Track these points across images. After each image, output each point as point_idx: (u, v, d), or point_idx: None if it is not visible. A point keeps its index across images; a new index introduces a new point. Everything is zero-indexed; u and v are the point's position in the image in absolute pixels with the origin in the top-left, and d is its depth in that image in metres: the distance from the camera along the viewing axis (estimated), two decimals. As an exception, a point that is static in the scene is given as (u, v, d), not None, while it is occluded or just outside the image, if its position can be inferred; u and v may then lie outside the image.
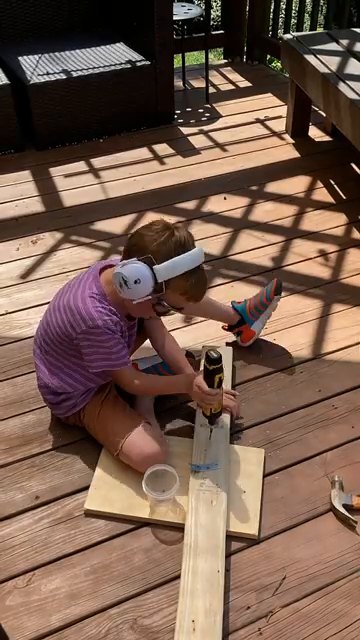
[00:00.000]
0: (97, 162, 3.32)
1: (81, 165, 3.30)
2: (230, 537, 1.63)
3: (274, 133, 3.56)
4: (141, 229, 1.59)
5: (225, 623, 1.46)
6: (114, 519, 1.69)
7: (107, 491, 1.73)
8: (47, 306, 1.81)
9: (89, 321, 1.60)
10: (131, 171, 3.24)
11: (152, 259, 1.52)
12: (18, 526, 1.69)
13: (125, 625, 1.48)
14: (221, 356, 1.58)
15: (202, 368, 1.64)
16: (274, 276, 2.52)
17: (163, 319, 1.90)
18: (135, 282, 1.52)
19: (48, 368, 1.78)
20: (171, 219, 2.87)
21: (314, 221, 2.85)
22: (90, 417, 1.81)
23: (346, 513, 1.66)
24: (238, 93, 4.03)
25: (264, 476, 1.78)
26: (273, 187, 3.10)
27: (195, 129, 3.62)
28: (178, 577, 1.54)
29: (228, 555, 1.60)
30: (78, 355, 1.70)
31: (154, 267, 1.52)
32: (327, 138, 3.50)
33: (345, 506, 1.67)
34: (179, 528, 1.64)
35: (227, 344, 2.20)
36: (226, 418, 1.87)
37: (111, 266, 1.71)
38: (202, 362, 1.88)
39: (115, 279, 1.57)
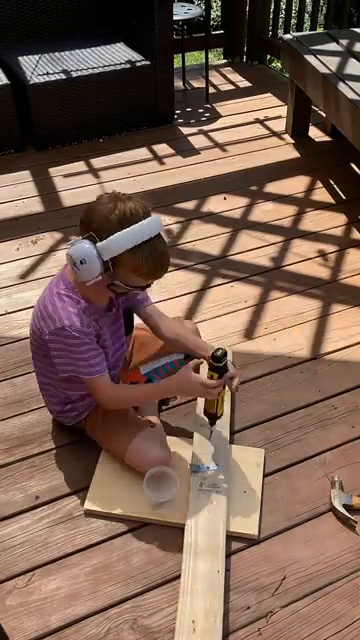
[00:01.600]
0: (97, 162, 3.32)
1: (81, 165, 3.30)
2: (230, 537, 1.63)
3: (274, 133, 3.56)
4: (92, 202, 1.46)
5: (225, 623, 1.46)
6: (114, 519, 1.69)
7: (107, 491, 1.73)
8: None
9: (57, 322, 1.50)
10: (131, 171, 3.24)
11: (94, 236, 1.41)
12: (18, 526, 1.69)
13: (125, 625, 1.48)
14: (226, 353, 1.59)
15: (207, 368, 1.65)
16: (274, 276, 2.53)
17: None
18: (81, 262, 1.42)
19: (46, 377, 1.73)
20: (170, 219, 2.87)
21: (314, 221, 2.85)
22: (92, 426, 1.81)
23: (346, 513, 1.66)
24: (238, 93, 4.03)
25: (264, 476, 1.78)
26: (273, 187, 3.09)
27: (195, 129, 3.62)
28: (178, 577, 1.54)
29: (228, 555, 1.60)
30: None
31: (97, 245, 1.41)
32: (327, 138, 3.50)
33: (345, 506, 1.67)
34: (179, 528, 1.64)
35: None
36: (226, 419, 1.87)
37: None
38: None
39: (68, 262, 1.47)
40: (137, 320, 1.83)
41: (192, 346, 1.77)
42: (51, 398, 1.80)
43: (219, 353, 1.58)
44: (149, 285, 1.54)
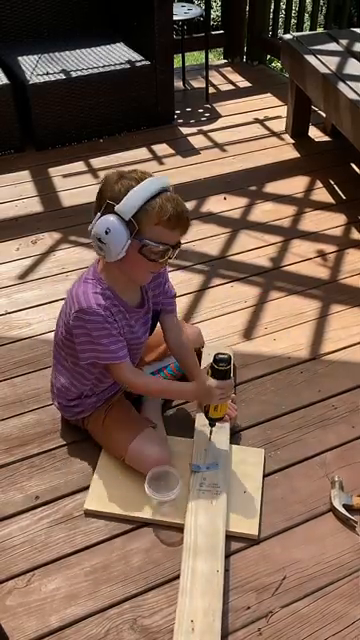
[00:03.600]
0: (97, 162, 3.32)
1: (80, 165, 3.30)
2: (230, 537, 1.63)
3: (274, 133, 3.56)
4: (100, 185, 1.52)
5: (225, 623, 1.46)
6: (114, 519, 1.69)
7: (107, 491, 1.73)
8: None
9: (83, 303, 1.54)
10: (131, 171, 3.24)
11: (111, 205, 1.44)
12: (18, 526, 1.69)
13: (125, 625, 1.48)
14: (230, 358, 1.59)
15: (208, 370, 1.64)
16: (273, 276, 2.54)
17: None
18: (106, 232, 1.43)
19: (64, 367, 1.75)
20: (171, 219, 2.87)
21: (313, 221, 2.85)
22: (94, 425, 1.81)
23: (346, 513, 1.66)
24: (238, 93, 4.03)
25: (264, 476, 1.78)
26: (272, 187, 3.09)
27: (195, 129, 3.62)
28: (178, 577, 1.54)
29: (228, 555, 1.60)
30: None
31: (116, 208, 1.43)
32: (327, 138, 3.50)
33: (345, 506, 1.67)
34: (179, 528, 1.64)
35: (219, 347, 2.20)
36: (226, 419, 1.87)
37: None
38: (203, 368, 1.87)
39: (94, 247, 1.50)
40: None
41: (186, 368, 1.86)
42: (62, 390, 1.79)
43: (221, 357, 1.58)
44: (179, 243, 1.54)
